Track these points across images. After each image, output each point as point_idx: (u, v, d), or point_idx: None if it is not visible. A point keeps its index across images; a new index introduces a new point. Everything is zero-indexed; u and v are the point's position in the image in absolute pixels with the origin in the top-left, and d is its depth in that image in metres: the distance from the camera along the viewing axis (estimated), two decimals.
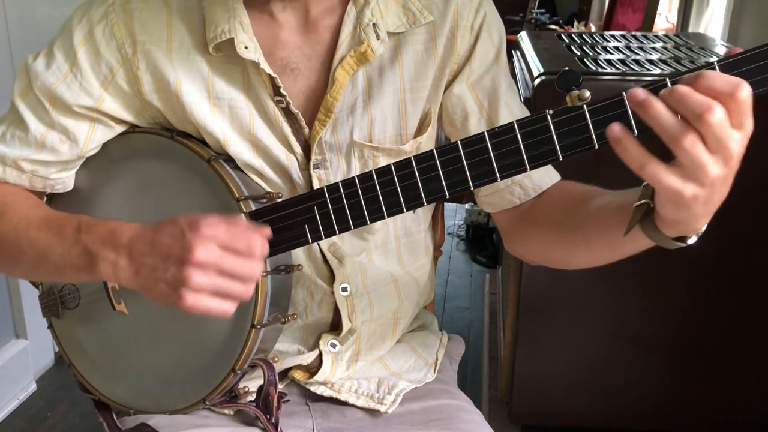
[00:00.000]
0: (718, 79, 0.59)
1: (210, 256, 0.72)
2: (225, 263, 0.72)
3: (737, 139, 0.60)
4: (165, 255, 0.73)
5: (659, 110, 0.59)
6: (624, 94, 0.64)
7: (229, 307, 0.74)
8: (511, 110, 0.91)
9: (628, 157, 0.61)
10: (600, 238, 0.79)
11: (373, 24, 0.86)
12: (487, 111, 0.90)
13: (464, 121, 0.91)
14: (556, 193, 0.90)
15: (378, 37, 0.85)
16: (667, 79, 0.62)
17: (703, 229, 0.69)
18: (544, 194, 0.90)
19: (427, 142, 0.93)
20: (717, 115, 0.58)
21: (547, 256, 0.93)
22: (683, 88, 0.59)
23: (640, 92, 0.60)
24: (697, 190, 0.61)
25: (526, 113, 0.92)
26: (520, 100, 0.96)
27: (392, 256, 0.98)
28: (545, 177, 0.90)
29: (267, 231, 0.76)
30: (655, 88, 0.62)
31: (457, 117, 0.91)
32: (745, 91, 0.58)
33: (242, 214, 0.81)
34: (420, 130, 0.92)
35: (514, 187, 0.90)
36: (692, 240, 0.70)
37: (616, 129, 0.61)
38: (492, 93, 0.91)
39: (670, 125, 0.59)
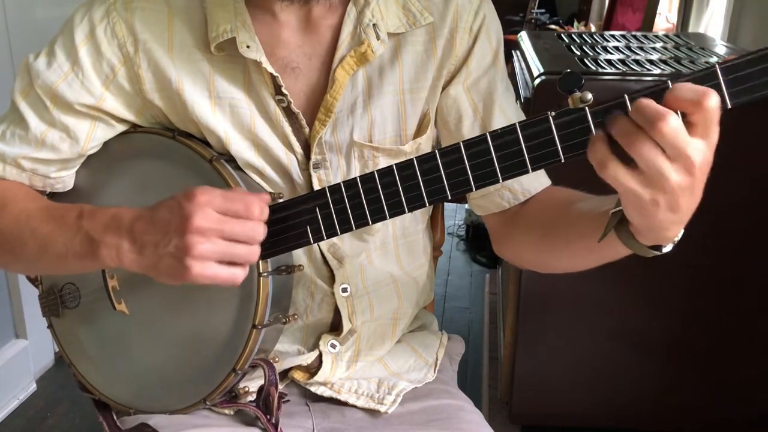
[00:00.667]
0: (686, 87, 0.60)
1: (209, 222, 0.71)
2: (225, 227, 0.72)
3: (698, 148, 0.60)
4: (165, 228, 0.73)
5: (617, 117, 0.61)
6: (626, 96, 0.64)
7: (238, 272, 0.74)
8: (506, 114, 0.91)
9: (593, 154, 0.62)
10: (580, 242, 0.80)
11: (374, 24, 0.86)
12: (482, 114, 0.91)
13: (458, 123, 0.91)
14: (543, 198, 0.90)
15: (378, 38, 0.85)
16: (669, 80, 0.62)
17: (677, 238, 0.69)
18: (532, 199, 0.91)
19: (426, 143, 0.94)
20: (670, 124, 0.59)
21: (530, 259, 0.94)
22: (644, 100, 0.60)
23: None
24: (656, 195, 0.62)
25: (521, 117, 0.92)
26: (519, 102, 0.96)
27: (391, 257, 0.98)
28: (534, 182, 0.90)
29: (266, 196, 0.77)
30: (657, 90, 0.62)
31: (451, 119, 0.91)
32: (712, 101, 0.59)
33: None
34: (419, 131, 0.92)
35: (504, 191, 0.90)
36: (667, 249, 0.70)
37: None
38: (487, 96, 0.91)
39: (625, 130, 0.61)
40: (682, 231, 0.69)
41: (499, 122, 0.90)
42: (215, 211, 0.72)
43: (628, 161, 0.62)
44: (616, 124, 0.62)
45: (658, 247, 0.70)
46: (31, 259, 0.86)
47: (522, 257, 0.95)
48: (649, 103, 0.60)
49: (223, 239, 0.73)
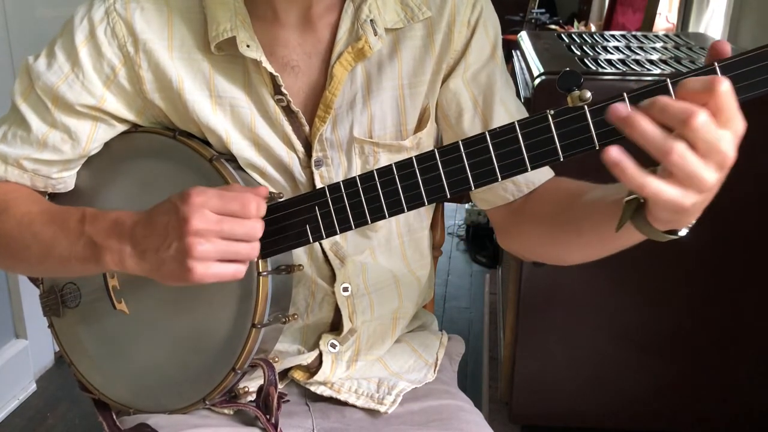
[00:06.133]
0: (693, 81, 0.59)
1: (206, 223, 0.72)
2: (223, 227, 0.73)
3: (728, 139, 0.59)
4: (164, 232, 0.74)
5: (644, 125, 0.59)
6: (625, 94, 0.64)
7: (240, 269, 0.75)
8: (507, 107, 0.90)
9: (627, 179, 0.60)
10: (592, 233, 0.79)
11: (371, 20, 0.86)
12: (482, 107, 0.90)
13: (458, 116, 0.91)
14: (549, 189, 0.90)
15: (375, 33, 0.85)
16: (668, 80, 0.62)
17: (694, 221, 0.68)
18: (537, 190, 0.90)
19: (427, 138, 0.94)
20: (701, 117, 0.57)
21: (540, 251, 0.93)
22: (664, 98, 0.59)
23: (622, 108, 0.60)
24: (696, 198, 0.61)
25: (522, 110, 0.92)
26: (520, 98, 0.96)
27: (396, 254, 0.98)
28: (538, 173, 0.90)
29: (263, 190, 0.77)
30: (657, 88, 0.62)
31: (452, 112, 0.91)
32: (724, 85, 0.58)
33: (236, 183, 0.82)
34: (419, 126, 0.92)
35: (507, 184, 0.90)
36: (683, 232, 0.69)
37: (613, 153, 0.59)
38: (487, 89, 0.91)
39: (657, 140, 0.59)
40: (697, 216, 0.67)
41: (499, 115, 0.90)
42: (212, 212, 0.73)
43: (647, 165, 0.60)
44: (645, 135, 0.59)
45: (674, 232, 0.69)
46: (34, 262, 0.87)
47: (531, 250, 0.94)
48: (671, 101, 0.58)
49: (221, 239, 0.73)
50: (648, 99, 0.60)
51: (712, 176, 0.60)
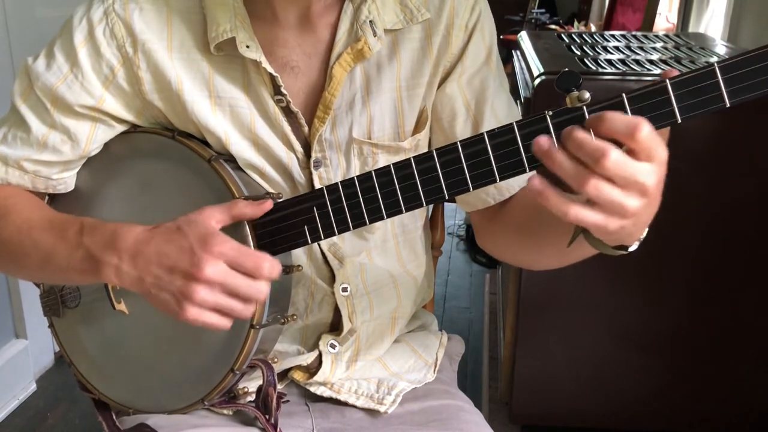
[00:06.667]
0: (618, 120, 0.60)
1: (218, 275, 0.73)
2: (231, 282, 0.73)
3: (647, 171, 0.61)
4: (172, 267, 0.74)
5: (560, 160, 0.62)
6: (623, 95, 0.64)
7: (226, 323, 0.76)
8: (496, 115, 0.91)
9: (550, 206, 0.63)
10: (550, 243, 0.81)
11: (370, 21, 0.86)
12: (474, 112, 0.91)
13: (451, 120, 0.91)
14: (522, 196, 0.91)
15: (375, 34, 0.85)
16: (667, 81, 0.62)
17: (643, 236, 0.70)
18: (515, 196, 0.91)
19: (425, 140, 0.94)
20: (612, 158, 0.59)
21: (507, 255, 0.97)
22: (580, 136, 0.61)
23: (543, 141, 0.63)
24: (620, 222, 0.63)
25: (513, 116, 0.92)
26: (519, 102, 0.96)
27: (391, 255, 0.98)
28: (518, 178, 0.90)
29: (268, 203, 0.78)
30: (657, 89, 0.62)
31: (445, 116, 0.92)
32: (644, 131, 0.59)
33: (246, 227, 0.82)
34: (417, 128, 0.92)
35: (489, 188, 0.91)
36: (633, 248, 0.72)
37: (536, 183, 0.62)
38: (480, 94, 0.91)
39: (572, 173, 0.62)
40: (647, 230, 0.70)
41: (489, 122, 0.90)
42: (226, 265, 0.73)
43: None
44: (561, 168, 0.62)
45: (624, 247, 0.71)
46: (34, 269, 0.87)
47: (502, 252, 0.97)
48: (588, 139, 0.61)
49: (224, 293, 0.74)
50: (566, 130, 0.62)
51: (633, 203, 0.62)
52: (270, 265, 0.74)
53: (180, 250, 0.74)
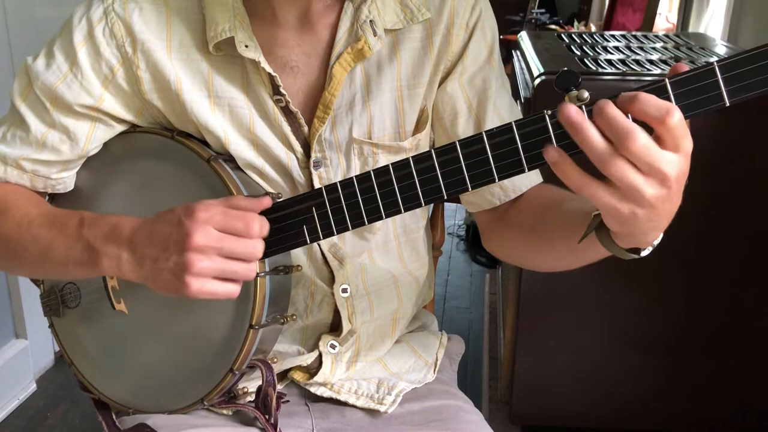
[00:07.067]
0: (650, 103, 0.59)
1: (208, 240, 0.73)
2: (224, 245, 0.74)
3: (671, 161, 0.60)
4: (165, 244, 0.74)
5: (589, 134, 0.60)
6: (622, 94, 0.63)
7: (234, 289, 0.76)
8: (499, 113, 0.91)
9: (567, 179, 0.62)
10: (562, 243, 0.80)
11: (371, 21, 0.86)
12: (476, 111, 0.91)
13: (453, 119, 0.91)
14: (532, 197, 0.90)
15: (375, 34, 0.85)
16: (666, 80, 0.62)
17: (657, 242, 0.69)
18: (522, 196, 0.91)
19: (425, 140, 0.94)
20: (639, 141, 0.59)
21: (516, 256, 0.96)
22: (613, 111, 0.60)
23: (573, 113, 0.61)
24: (634, 209, 0.62)
25: (515, 115, 0.92)
26: (519, 102, 0.96)
27: (393, 255, 0.98)
28: (525, 179, 0.90)
29: (267, 201, 0.78)
30: (656, 88, 0.62)
31: (447, 115, 0.91)
32: (674, 118, 0.58)
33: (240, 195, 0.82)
34: (418, 128, 0.92)
35: (494, 188, 0.91)
36: (645, 252, 0.71)
37: (552, 153, 0.62)
38: (482, 93, 0.91)
39: (599, 150, 0.60)
40: (661, 236, 0.69)
41: (492, 121, 0.90)
42: (215, 229, 0.73)
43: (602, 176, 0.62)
44: (588, 142, 0.60)
45: (637, 251, 0.70)
46: (33, 265, 0.87)
47: (509, 254, 0.96)
48: (619, 116, 0.59)
49: (221, 257, 0.74)
50: (599, 103, 0.61)
51: (651, 191, 0.61)
52: (259, 223, 0.75)
53: (169, 225, 0.74)
